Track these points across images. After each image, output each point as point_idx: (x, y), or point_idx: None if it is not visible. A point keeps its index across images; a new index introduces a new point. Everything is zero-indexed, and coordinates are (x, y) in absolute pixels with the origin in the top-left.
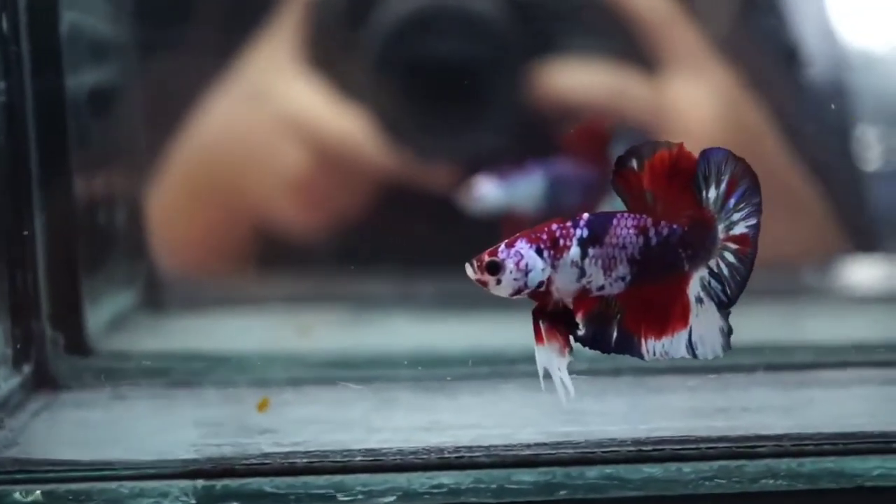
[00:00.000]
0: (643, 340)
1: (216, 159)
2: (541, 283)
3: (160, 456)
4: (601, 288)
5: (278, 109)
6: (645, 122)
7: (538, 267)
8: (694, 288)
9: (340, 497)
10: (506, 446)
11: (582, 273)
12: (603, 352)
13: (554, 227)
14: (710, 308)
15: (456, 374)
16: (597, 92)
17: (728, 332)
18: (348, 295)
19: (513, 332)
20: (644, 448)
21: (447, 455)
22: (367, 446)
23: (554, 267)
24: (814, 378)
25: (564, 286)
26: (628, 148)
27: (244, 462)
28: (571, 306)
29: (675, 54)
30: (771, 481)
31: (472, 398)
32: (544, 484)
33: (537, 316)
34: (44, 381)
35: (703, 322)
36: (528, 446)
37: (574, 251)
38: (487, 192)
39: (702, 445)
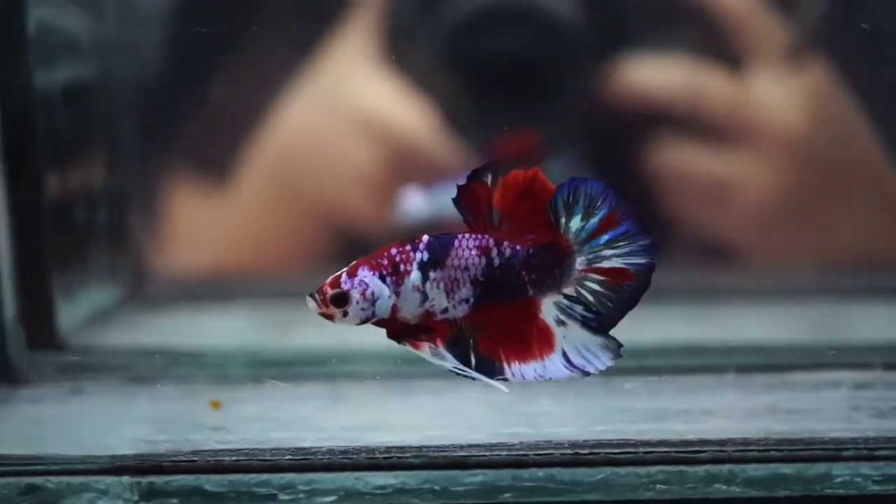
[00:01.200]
0: (506, 364)
1: (294, 156)
2: (387, 311)
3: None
4: (445, 311)
5: (353, 106)
6: (725, 119)
7: (385, 295)
8: (549, 312)
9: (282, 496)
10: (454, 446)
11: (424, 297)
12: (468, 377)
13: (393, 251)
14: (575, 330)
15: (414, 372)
16: (674, 88)
17: (614, 345)
18: None
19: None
20: (580, 451)
21: (394, 455)
22: (307, 444)
23: (396, 293)
24: None
25: (408, 311)
26: (484, 163)
27: (172, 458)
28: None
29: (761, 49)
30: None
31: (428, 398)
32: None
33: (398, 339)
34: (4, 376)
35: (578, 342)
36: (471, 447)
37: (415, 275)
38: (415, 204)
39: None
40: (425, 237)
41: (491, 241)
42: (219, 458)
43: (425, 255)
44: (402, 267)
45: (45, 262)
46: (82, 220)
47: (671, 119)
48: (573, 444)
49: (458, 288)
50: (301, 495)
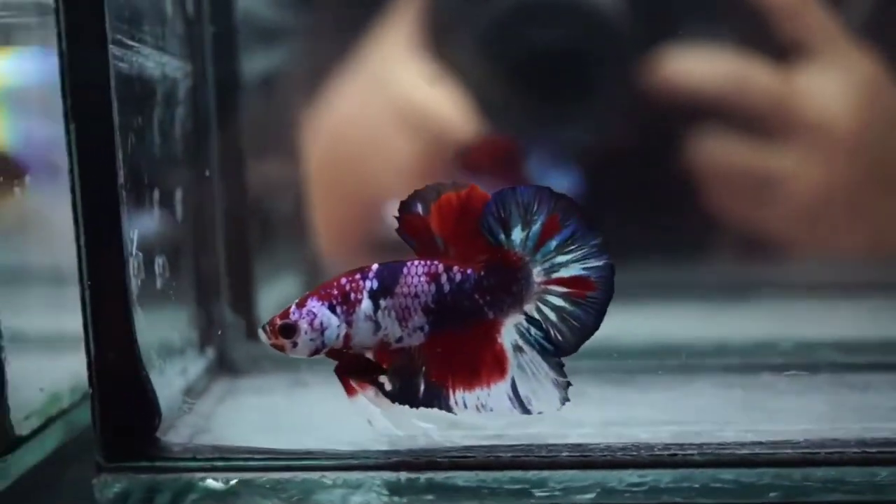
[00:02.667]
0: (451, 392)
1: (342, 148)
2: (338, 341)
3: (351, 445)
4: (399, 339)
5: (397, 97)
6: (772, 112)
7: (333, 324)
8: (508, 335)
9: (537, 493)
10: (719, 444)
11: (377, 326)
12: (411, 406)
13: (343, 280)
14: (533, 357)
15: (639, 367)
16: (718, 80)
17: (563, 384)
18: None
19: (697, 323)
20: (869, 450)
21: (658, 452)
22: (568, 441)
23: (349, 323)
24: None
25: (362, 341)
26: (412, 192)
27: (447, 455)
28: (373, 359)
29: (808, 41)
30: None
31: (662, 393)
32: (752, 485)
33: (340, 374)
34: (224, 367)
35: (530, 373)
36: (742, 445)
37: (366, 304)
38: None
39: None
40: (374, 266)
41: (440, 267)
42: (496, 455)
43: (375, 284)
44: (352, 296)
45: (250, 252)
46: (277, 214)
47: (716, 111)
48: (860, 443)
49: (409, 316)
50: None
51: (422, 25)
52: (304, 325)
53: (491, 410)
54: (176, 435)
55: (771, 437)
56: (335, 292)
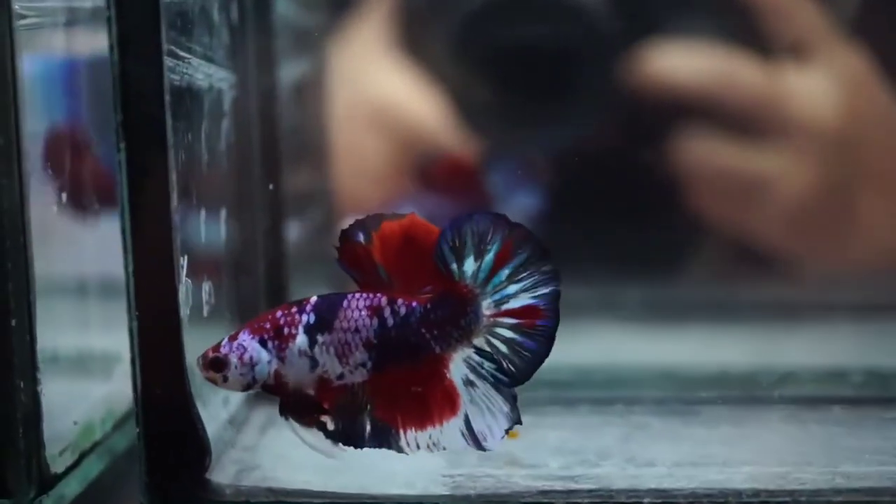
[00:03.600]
0: (401, 432)
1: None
2: (269, 376)
3: (407, 486)
4: (341, 376)
5: (368, 96)
6: (757, 110)
7: (263, 359)
8: (458, 370)
9: None
10: (813, 491)
11: (314, 363)
12: (356, 447)
13: (279, 314)
14: (486, 391)
15: (699, 398)
16: (702, 76)
17: (513, 418)
18: None
19: (764, 350)
20: None
21: (747, 499)
22: (647, 484)
23: (281, 359)
24: None
25: (297, 378)
26: (353, 221)
27: (522, 500)
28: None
29: (797, 37)
30: None
31: (732, 428)
32: None
33: (283, 412)
34: (261, 395)
35: (484, 407)
36: (838, 492)
37: (301, 339)
38: None
39: None
40: (314, 298)
41: (383, 300)
42: (575, 500)
43: (312, 318)
44: (285, 330)
45: (287, 269)
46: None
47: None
48: None
49: (350, 352)
50: None
51: (394, 22)
52: (233, 358)
53: (443, 449)
54: (222, 472)
55: (862, 482)
56: (268, 326)
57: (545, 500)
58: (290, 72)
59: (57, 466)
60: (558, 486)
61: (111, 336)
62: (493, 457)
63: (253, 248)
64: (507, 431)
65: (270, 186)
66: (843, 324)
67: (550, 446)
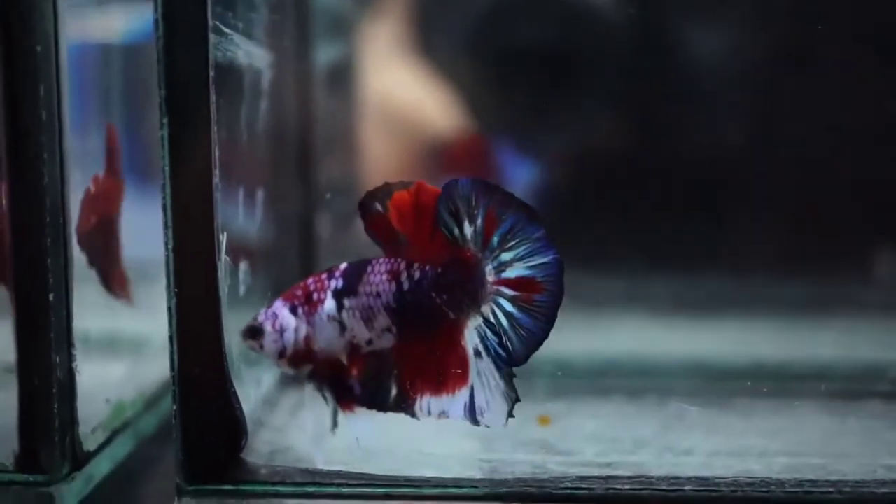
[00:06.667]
0: (418, 397)
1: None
2: (298, 343)
3: (441, 469)
4: (370, 342)
5: (390, 87)
6: None
7: (291, 326)
8: (471, 339)
9: None
10: (856, 482)
11: (343, 327)
12: (380, 410)
13: (310, 280)
14: (488, 366)
15: (733, 389)
16: None
17: (512, 398)
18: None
19: (796, 342)
20: None
21: (791, 489)
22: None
23: (310, 323)
24: None
25: (328, 343)
26: (367, 192)
27: (561, 486)
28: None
29: None
30: None
31: (769, 420)
32: None
33: (312, 378)
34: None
35: (486, 382)
36: (882, 483)
37: (329, 304)
38: None
39: None
40: (343, 265)
41: (402, 265)
42: (614, 486)
43: (340, 283)
44: (315, 296)
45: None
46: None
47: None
48: None
49: (374, 316)
50: None
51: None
52: (267, 326)
53: (447, 418)
54: (255, 453)
55: None
56: (299, 293)
57: (584, 486)
58: (324, 54)
59: (89, 444)
60: (596, 472)
61: (140, 317)
62: (527, 443)
63: (287, 230)
64: (509, 412)
65: (328, 196)
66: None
67: (585, 434)
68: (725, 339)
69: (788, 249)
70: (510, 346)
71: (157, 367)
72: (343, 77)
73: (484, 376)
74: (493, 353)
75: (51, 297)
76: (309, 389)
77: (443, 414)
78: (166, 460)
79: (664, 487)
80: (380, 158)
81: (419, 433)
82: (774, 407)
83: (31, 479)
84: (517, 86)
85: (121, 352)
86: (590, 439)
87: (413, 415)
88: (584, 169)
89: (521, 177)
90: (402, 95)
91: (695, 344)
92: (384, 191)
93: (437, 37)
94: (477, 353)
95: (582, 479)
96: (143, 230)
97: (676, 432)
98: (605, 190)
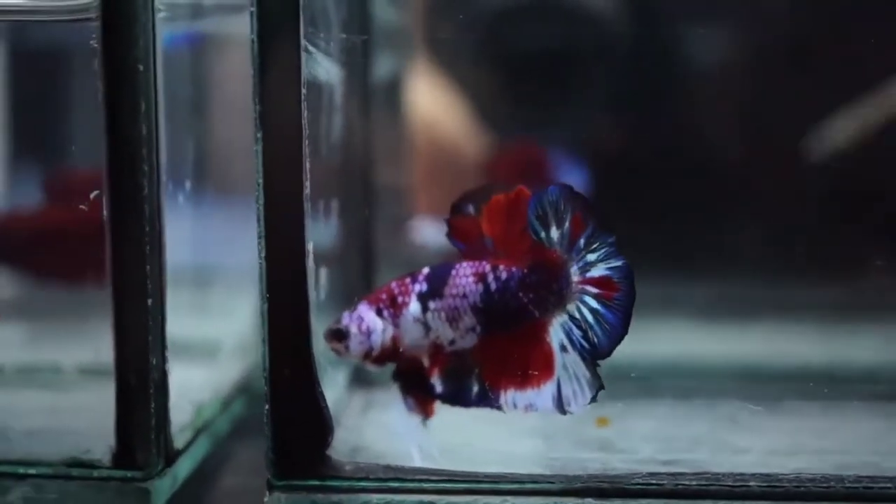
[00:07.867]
0: (503, 392)
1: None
2: (384, 344)
3: (505, 466)
4: (452, 342)
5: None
6: None
7: (378, 328)
8: (556, 335)
9: None
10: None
11: (427, 328)
12: (463, 406)
13: (393, 284)
14: (574, 358)
15: (780, 390)
16: None
17: (597, 385)
18: None
19: (840, 345)
20: None
21: (850, 484)
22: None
23: (396, 325)
24: None
25: (413, 343)
26: (463, 193)
27: (634, 482)
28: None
29: None
30: None
31: (819, 421)
32: None
33: (395, 377)
34: (358, 378)
35: (573, 374)
36: None
37: (414, 307)
38: (430, 234)
39: None
40: (426, 269)
41: (487, 267)
42: (683, 483)
43: (424, 287)
44: (399, 299)
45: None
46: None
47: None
48: None
49: (459, 316)
50: None
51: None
52: (353, 328)
53: (535, 410)
54: (335, 451)
55: None
56: (384, 296)
57: (654, 482)
58: (382, 69)
59: (178, 443)
60: (642, 467)
61: (213, 322)
62: (587, 442)
63: (357, 238)
64: (592, 398)
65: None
66: None
67: (641, 434)
68: (770, 342)
69: (832, 253)
70: (595, 340)
71: (229, 371)
72: (399, 90)
73: (570, 368)
74: (578, 346)
75: (149, 301)
76: (377, 390)
77: (530, 406)
78: (238, 459)
79: (730, 483)
80: (434, 168)
81: (481, 434)
82: (822, 408)
83: (128, 475)
84: (570, 94)
85: (197, 355)
86: (647, 438)
87: (499, 408)
88: (627, 175)
89: (574, 182)
90: (454, 108)
91: (740, 347)
92: (483, 192)
93: (492, 47)
94: (563, 348)
95: (651, 475)
96: (200, 238)
97: (730, 431)
98: (647, 194)
